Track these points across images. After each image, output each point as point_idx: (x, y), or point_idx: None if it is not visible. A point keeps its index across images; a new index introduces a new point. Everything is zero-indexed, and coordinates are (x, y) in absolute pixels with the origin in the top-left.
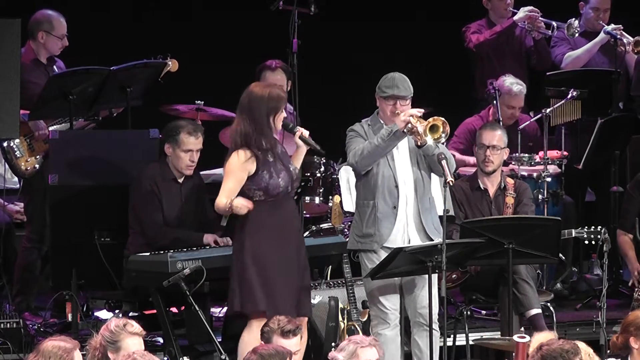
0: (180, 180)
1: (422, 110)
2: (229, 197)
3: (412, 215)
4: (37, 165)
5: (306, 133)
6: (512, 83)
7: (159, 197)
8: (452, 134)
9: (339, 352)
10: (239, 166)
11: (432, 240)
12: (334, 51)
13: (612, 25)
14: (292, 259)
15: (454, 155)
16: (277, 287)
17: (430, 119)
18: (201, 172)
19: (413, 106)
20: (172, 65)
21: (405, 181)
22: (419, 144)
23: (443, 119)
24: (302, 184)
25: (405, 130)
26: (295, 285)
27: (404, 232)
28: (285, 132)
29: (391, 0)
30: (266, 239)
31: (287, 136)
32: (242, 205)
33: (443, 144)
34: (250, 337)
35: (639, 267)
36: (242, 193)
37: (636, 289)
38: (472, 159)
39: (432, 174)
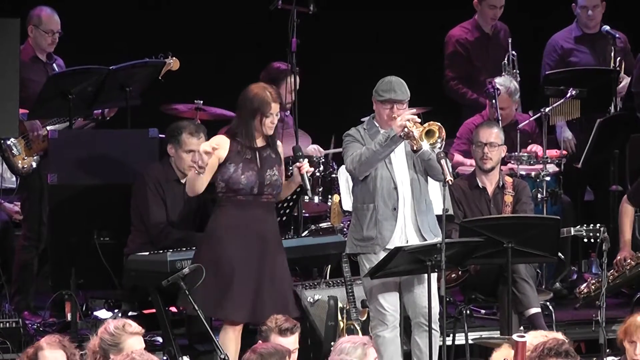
0: (183, 181)
1: (417, 111)
2: None
3: (409, 217)
4: (34, 164)
5: (305, 169)
6: (498, 83)
7: (162, 198)
8: (454, 135)
9: (347, 356)
10: (210, 146)
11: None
12: (332, 50)
13: None
14: (252, 265)
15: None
16: (228, 291)
17: (426, 124)
18: None
19: (411, 104)
20: (174, 63)
21: (403, 182)
22: (414, 148)
23: (439, 124)
24: (294, 196)
25: (401, 134)
26: (253, 291)
27: (401, 234)
28: (283, 130)
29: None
30: (224, 241)
31: (286, 135)
32: (205, 145)
33: (440, 148)
34: (224, 339)
35: (627, 253)
36: (210, 184)
37: (580, 286)
38: (470, 161)
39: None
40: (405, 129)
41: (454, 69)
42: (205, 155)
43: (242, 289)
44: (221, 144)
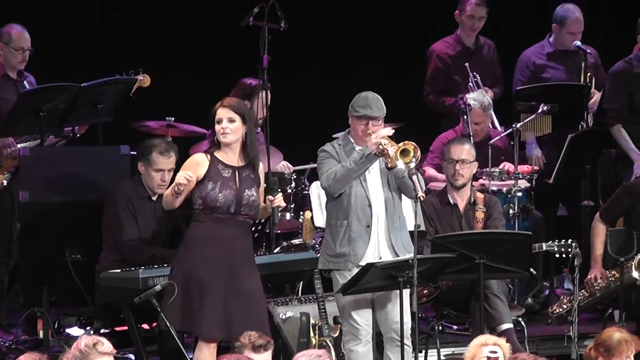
0: (154, 198)
1: (392, 131)
2: None
3: (383, 234)
4: (4, 182)
5: (278, 204)
6: (471, 98)
7: (134, 214)
8: (426, 149)
9: None
10: (189, 165)
11: None
12: (304, 66)
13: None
14: (224, 282)
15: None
16: (202, 307)
17: (402, 143)
18: None
19: (386, 120)
20: (145, 79)
21: (377, 199)
22: (389, 166)
23: (414, 143)
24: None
25: (376, 152)
26: (225, 308)
27: (375, 251)
28: (264, 145)
29: (362, 13)
30: (196, 256)
31: (263, 150)
32: (181, 175)
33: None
34: (199, 356)
35: (598, 272)
36: (186, 199)
37: (552, 306)
38: (442, 176)
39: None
40: (380, 147)
41: (433, 84)
42: (181, 186)
43: (215, 306)
44: (200, 162)
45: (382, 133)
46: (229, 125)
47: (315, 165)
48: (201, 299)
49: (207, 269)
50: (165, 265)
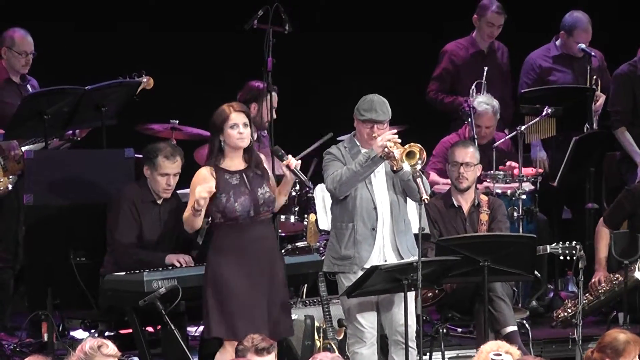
0: (159, 202)
1: (396, 131)
2: None
3: (388, 237)
4: (10, 186)
5: (294, 163)
6: (479, 102)
7: (137, 219)
8: (429, 153)
9: None
10: (198, 183)
11: None
12: (308, 69)
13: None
14: (257, 283)
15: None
16: (235, 311)
17: (407, 146)
18: (178, 192)
19: (391, 122)
20: (148, 82)
21: (383, 202)
22: (395, 169)
23: (420, 145)
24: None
25: (382, 155)
26: (261, 308)
27: (380, 254)
28: (260, 150)
29: (364, 15)
30: (226, 263)
31: (268, 153)
32: (201, 190)
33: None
34: (223, 359)
35: (602, 276)
36: (205, 214)
37: (557, 310)
38: (444, 180)
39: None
40: (386, 150)
41: (439, 83)
42: (202, 200)
43: (247, 309)
44: (207, 177)
45: (387, 136)
46: (245, 130)
47: (315, 146)
48: (235, 302)
49: (235, 275)
50: (170, 268)
